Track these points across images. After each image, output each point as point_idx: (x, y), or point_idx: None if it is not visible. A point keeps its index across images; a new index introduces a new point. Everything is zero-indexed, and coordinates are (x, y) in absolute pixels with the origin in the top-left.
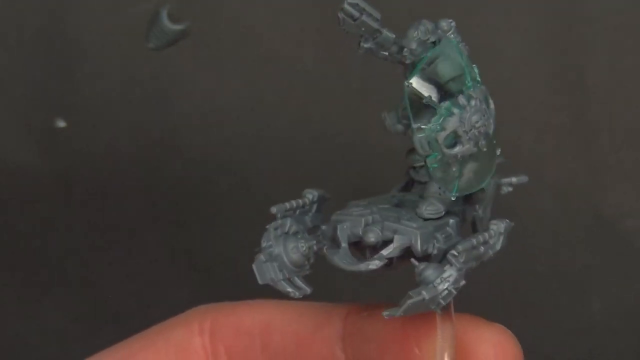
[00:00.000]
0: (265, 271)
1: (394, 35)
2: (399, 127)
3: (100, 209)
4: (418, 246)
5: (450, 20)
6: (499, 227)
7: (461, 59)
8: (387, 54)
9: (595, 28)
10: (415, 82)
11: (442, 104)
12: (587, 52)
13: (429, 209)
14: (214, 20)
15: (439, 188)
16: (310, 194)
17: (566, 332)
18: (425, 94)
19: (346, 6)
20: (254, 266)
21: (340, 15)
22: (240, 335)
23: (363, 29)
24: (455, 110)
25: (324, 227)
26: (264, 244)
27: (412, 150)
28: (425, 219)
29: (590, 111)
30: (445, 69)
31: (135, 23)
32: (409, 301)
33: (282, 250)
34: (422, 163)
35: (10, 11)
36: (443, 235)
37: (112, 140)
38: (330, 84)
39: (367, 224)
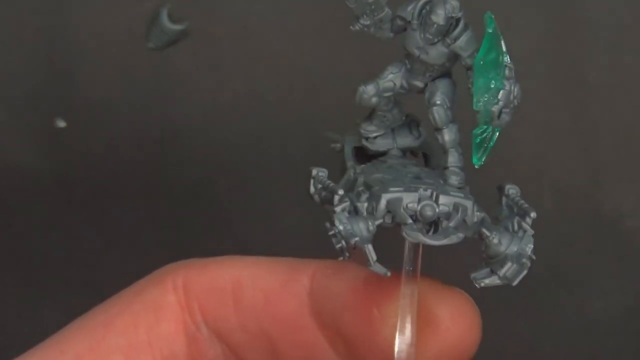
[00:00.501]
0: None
1: (390, 13)
2: (374, 100)
3: (100, 209)
4: (475, 216)
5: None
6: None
7: (500, 35)
8: (379, 29)
9: (595, 28)
10: (483, 58)
11: (494, 76)
12: (587, 52)
13: (458, 179)
14: (214, 20)
15: (460, 157)
16: (321, 172)
17: (566, 332)
18: (487, 66)
19: None
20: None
21: None
22: (213, 291)
23: (373, 6)
24: (506, 83)
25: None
26: (340, 227)
27: (368, 119)
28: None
29: (590, 111)
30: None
31: (135, 23)
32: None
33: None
34: (377, 134)
35: (10, 11)
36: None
37: (112, 140)
38: (330, 84)
39: (421, 198)
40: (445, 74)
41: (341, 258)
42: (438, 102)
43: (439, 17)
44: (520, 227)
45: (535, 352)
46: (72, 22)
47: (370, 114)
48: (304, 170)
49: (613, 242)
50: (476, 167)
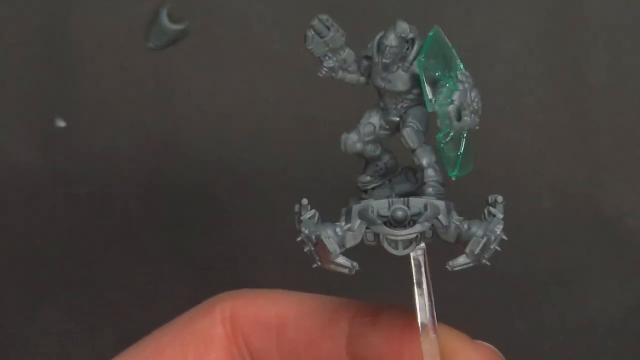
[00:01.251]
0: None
1: (353, 53)
2: (358, 146)
3: (100, 209)
4: (450, 218)
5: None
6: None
7: (450, 45)
8: (347, 72)
9: (595, 28)
10: (425, 60)
11: (446, 79)
12: (587, 52)
13: (435, 191)
14: (214, 20)
15: (437, 173)
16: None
17: (566, 332)
18: (435, 70)
19: (316, 23)
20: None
21: (310, 33)
22: (259, 326)
23: (331, 45)
24: (460, 86)
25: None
26: (306, 232)
27: (363, 172)
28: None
29: (590, 111)
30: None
31: (135, 23)
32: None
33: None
34: (374, 185)
35: (10, 11)
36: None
37: (112, 140)
38: (330, 84)
39: (392, 204)
40: (418, 103)
41: (315, 265)
42: (409, 125)
43: (389, 39)
44: (490, 213)
45: (535, 352)
46: (72, 22)
47: (365, 167)
48: (304, 170)
49: (613, 242)
50: (453, 179)
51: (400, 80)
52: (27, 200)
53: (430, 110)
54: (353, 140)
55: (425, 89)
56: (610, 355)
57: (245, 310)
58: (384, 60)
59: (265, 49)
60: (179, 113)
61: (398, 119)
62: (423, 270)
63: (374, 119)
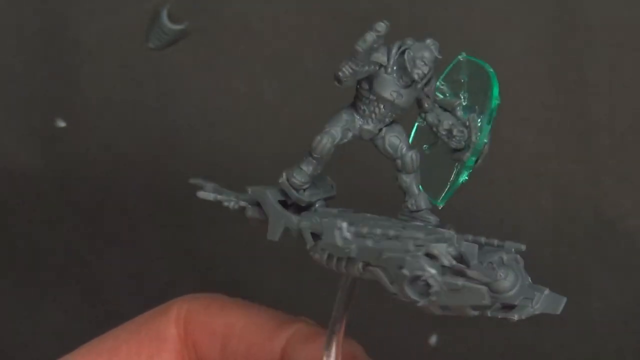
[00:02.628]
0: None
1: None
2: (331, 150)
3: (100, 209)
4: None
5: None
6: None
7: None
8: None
9: (595, 28)
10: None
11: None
12: (587, 52)
13: (435, 218)
14: (214, 20)
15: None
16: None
17: (566, 332)
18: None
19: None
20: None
21: (371, 36)
22: (207, 333)
23: (374, 54)
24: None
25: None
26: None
27: (309, 171)
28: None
29: (590, 111)
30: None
31: (135, 23)
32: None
33: None
34: (307, 186)
35: (10, 11)
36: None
37: (112, 141)
38: (330, 84)
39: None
40: (396, 120)
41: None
42: (410, 147)
43: (428, 58)
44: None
45: (536, 352)
46: (72, 22)
47: (311, 167)
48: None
49: (613, 242)
50: (439, 207)
51: (409, 98)
52: (26, 200)
53: (479, 147)
54: (331, 143)
55: (477, 126)
56: (610, 355)
57: (198, 315)
58: (412, 75)
59: (265, 49)
60: (179, 113)
61: (376, 131)
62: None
63: (350, 124)
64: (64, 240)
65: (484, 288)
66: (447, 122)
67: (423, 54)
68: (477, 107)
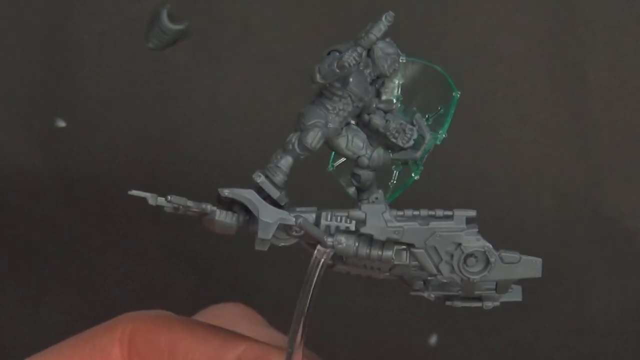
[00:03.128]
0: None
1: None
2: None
3: (100, 209)
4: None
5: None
6: None
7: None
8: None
9: (595, 28)
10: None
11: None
12: (587, 52)
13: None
14: (214, 20)
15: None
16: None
17: (566, 332)
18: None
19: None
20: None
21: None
22: (153, 351)
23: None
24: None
25: None
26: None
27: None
28: None
29: (590, 111)
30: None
31: (135, 23)
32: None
33: None
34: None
35: (10, 11)
36: None
37: (112, 140)
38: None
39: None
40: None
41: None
42: (373, 145)
43: (394, 56)
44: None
45: (536, 352)
46: (72, 22)
47: (278, 160)
48: (304, 169)
49: (613, 242)
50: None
51: (372, 94)
52: (27, 200)
53: (432, 142)
54: (322, 137)
55: (424, 122)
56: (610, 355)
57: (143, 333)
58: (385, 71)
59: (265, 49)
60: (178, 113)
61: (339, 128)
62: (317, 272)
63: (325, 119)
64: (64, 240)
65: (539, 260)
66: (396, 120)
67: (389, 51)
68: (415, 107)
